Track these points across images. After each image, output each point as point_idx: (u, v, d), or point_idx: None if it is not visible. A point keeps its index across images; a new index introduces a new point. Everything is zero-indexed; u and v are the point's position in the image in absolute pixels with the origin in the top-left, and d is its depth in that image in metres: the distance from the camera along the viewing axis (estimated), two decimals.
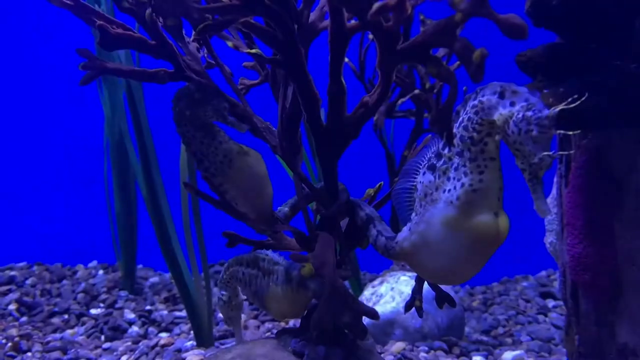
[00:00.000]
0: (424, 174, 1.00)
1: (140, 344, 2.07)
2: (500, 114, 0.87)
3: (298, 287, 1.14)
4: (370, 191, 1.22)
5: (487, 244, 0.94)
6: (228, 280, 1.29)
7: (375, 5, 0.79)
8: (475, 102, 0.90)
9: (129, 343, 2.11)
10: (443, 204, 0.95)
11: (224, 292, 1.32)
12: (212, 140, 1.10)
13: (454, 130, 0.93)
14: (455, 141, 0.93)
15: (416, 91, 2.01)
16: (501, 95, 0.87)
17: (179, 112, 1.09)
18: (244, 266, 1.24)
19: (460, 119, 0.93)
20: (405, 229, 1.03)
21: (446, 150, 0.96)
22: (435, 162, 0.98)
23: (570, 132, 0.92)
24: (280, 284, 1.16)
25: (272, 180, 1.17)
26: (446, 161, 0.95)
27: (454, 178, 0.94)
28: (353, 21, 0.96)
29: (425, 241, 0.98)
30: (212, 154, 1.10)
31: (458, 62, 1.83)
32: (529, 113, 0.85)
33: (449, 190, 0.94)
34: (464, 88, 2.10)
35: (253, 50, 1.03)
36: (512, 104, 0.86)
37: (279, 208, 1.24)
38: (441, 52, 2.00)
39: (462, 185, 0.93)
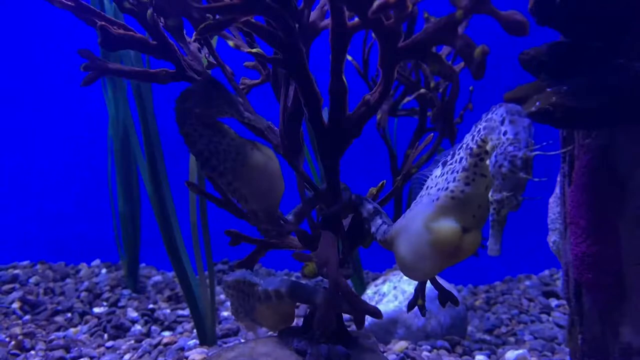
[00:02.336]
0: (437, 167, 1.02)
1: (143, 342, 2.08)
2: (491, 137, 0.87)
3: (278, 300, 1.15)
4: (373, 190, 1.22)
5: (443, 251, 0.94)
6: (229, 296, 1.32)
7: (376, 3, 0.78)
8: (489, 116, 0.90)
9: (132, 341, 2.12)
10: (428, 199, 0.97)
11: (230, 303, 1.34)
12: (223, 138, 1.05)
13: (468, 135, 0.93)
14: (462, 145, 0.94)
15: (422, 90, 2.00)
16: (502, 121, 0.86)
17: (185, 111, 1.04)
18: (231, 289, 1.25)
19: (475, 128, 0.93)
20: (402, 215, 1.05)
21: (457, 151, 0.96)
22: (448, 159, 0.98)
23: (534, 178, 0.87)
24: (263, 302, 1.17)
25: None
26: (454, 162, 0.96)
27: (446, 180, 0.95)
28: (355, 19, 0.96)
29: (406, 228, 0.99)
30: (222, 152, 1.05)
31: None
32: (510, 148, 0.84)
33: (438, 189, 0.96)
34: (470, 88, 2.08)
35: (254, 50, 1.03)
36: (504, 133, 0.85)
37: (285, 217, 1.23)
38: (445, 50, 2.00)
39: (447, 188, 0.94)
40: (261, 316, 1.21)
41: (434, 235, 0.94)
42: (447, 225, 0.93)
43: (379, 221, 1.09)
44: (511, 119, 0.85)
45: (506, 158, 0.83)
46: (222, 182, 1.08)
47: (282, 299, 1.14)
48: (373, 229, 1.09)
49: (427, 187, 1.01)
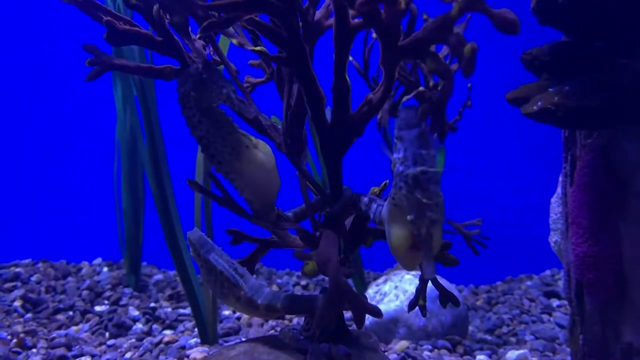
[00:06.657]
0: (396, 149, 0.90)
1: (145, 341, 2.08)
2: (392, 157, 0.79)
3: (266, 311, 1.13)
4: (375, 189, 1.22)
5: (401, 253, 0.91)
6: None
7: None
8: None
9: (133, 340, 2.12)
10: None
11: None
12: (219, 130, 1.05)
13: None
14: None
15: (420, 89, 2.00)
16: (397, 133, 0.76)
17: (184, 94, 1.04)
18: (201, 261, 1.16)
19: None
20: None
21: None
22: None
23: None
24: (243, 306, 1.14)
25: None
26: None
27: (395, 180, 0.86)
28: (357, 19, 0.96)
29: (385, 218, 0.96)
30: (219, 143, 1.05)
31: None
32: (400, 168, 0.76)
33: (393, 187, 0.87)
34: (469, 85, 2.08)
35: (257, 48, 1.03)
36: (398, 151, 0.77)
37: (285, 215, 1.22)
38: (445, 51, 2.00)
39: (390, 195, 0.88)
40: (231, 304, 1.17)
41: (392, 238, 0.90)
42: (397, 232, 0.88)
43: (374, 206, 1.06)
44: (398, 134, 0.76)
45: (401, 179, 0.76)
46: (220, 170, 1.08)
47: (274, 312, 1.12)
48: (371, 216, 1.08)
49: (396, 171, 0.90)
